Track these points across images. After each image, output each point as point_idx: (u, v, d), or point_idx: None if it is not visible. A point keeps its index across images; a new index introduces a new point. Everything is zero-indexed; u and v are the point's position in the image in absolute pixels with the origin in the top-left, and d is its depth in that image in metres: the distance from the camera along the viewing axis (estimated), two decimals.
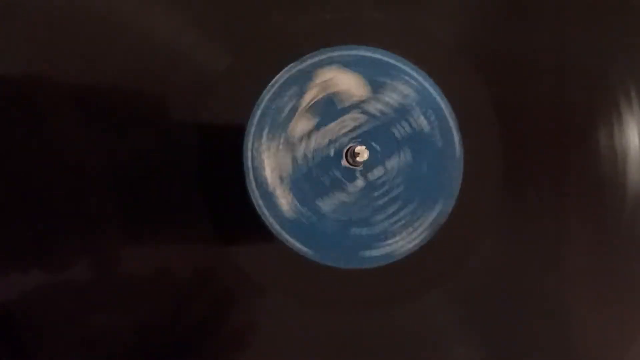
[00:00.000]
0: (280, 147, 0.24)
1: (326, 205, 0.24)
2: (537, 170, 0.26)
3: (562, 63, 0.27)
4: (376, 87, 0.25)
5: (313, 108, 0.25)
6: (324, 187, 0.24)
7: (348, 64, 0.25)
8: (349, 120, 0.25)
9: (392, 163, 0.25)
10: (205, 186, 0.25)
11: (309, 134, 0.24)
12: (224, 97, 0.25)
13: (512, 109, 0.26)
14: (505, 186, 0.26)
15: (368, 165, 0.25)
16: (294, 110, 0.25)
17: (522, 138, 0.26)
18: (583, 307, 0.27)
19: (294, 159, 0.24)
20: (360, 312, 0.26)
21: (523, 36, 0.27)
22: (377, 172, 0.25)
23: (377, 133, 0.25)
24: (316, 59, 0.25)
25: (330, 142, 0.24)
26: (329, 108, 0.25)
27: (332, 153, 0.24)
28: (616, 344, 0.27)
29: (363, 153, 0.24)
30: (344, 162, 0.25)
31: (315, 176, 0.24)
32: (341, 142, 0.25)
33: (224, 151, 0.25)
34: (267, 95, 0.25)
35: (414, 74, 0.25)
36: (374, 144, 0.25)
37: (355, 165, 0.24)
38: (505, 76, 0.27)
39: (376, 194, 0.25)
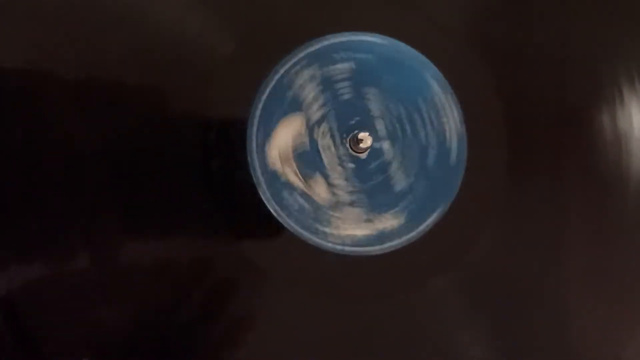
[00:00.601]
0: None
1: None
2: (541, 160, 0.26)
3: (567, 51, 0.27)
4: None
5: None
6: None
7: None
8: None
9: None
10: (210, 175, 0.25)
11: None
12: (229, 82, 0.25)
13: (516, 97, 0.26)
14: (508, 177, 0.26)
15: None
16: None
17: (526, 128, 0.26)
18: (584, 301, 0.27)
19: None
20: (363, 301, 0.26)
21: (526, 23, 0.27)
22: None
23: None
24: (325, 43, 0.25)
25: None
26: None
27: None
28: (616, 338, 0.27)
29: (366, 140, 0.24)
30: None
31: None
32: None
33: (230, 136, 0.25)
34: (272, 81, 0.25)
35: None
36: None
37: (358, 152, 0.24)
38: (510, 64, 0.27)
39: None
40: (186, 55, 0.25)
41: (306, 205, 0.25)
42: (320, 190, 0.25)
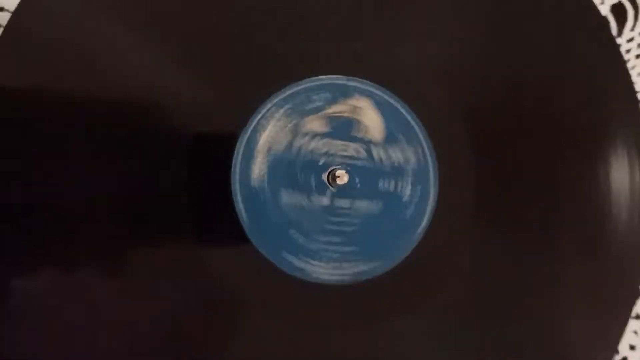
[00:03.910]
0: (289, 126, 0.25)
1: (286, 197, 0.25)
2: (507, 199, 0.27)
3: (545, 98, 0.27)
4: (390, 139, 0.26)
5: (333, 119, 0.25)
6: (295, 182, 0.25)
7: (380, 105, 0.26)
8: (352, 149, 0.25)
9: (361, 204, 0.25)
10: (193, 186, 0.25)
11: (314, 135, 0.25)
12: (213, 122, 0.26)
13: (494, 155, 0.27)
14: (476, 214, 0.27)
15: (341, 192, 0.25)
16: (318, 109, 0.25)
17: (494, 163, 0.27)
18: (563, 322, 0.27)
19: (290, 143, 0.25)
20: (329, 330, 0.26)
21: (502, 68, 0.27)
22: (344, 203, 0.25)
23: (366, 173, 0.25)
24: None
25: (326, 154, 0.25)
26: (345, 129, 0.25)
27: (320, 162, 0.25)
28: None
29: (343, 177, 0.25)
30: (324, 176, 0.25)
31: (295, 169, 0.25)
32: (333, 159, 0.25)
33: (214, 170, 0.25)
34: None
35: (425, 147, 0.26)
36: (357, 180, 0.25)
37: (331, 185, 0.25)
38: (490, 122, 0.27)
39: (332, 219, 0.25)
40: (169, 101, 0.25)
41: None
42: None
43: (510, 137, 0.27)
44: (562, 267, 0.27)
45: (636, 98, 0.27)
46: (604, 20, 0.30)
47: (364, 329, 0.26)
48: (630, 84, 0.27)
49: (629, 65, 0.30)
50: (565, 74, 0.27)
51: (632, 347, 0.30)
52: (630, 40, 0.30)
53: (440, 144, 0.26)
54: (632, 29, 0.30)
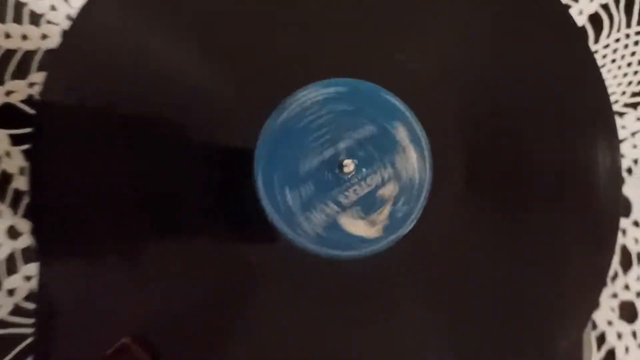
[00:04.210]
0: None
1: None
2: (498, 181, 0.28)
3: (542, 105, 0.28)
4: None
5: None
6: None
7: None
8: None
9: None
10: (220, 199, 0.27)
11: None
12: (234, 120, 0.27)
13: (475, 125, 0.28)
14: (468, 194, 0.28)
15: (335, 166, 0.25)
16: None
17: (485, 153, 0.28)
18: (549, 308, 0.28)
19: None
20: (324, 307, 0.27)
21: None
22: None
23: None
24: None
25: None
26: None
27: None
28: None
29: (349, 165, 0.25)
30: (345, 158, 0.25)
31: None
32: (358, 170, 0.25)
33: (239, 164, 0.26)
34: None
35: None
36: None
37: (337, 165, 0.25)
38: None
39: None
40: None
41: None
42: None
43: (501, 140, 0.28)
44: (561, 266, 0.28)
45: (608, 98, 0.30)
46: (582, 30, 0.33)
47: (363, 326, 0.27)
48: (604, 88, 0.30)
49: (605, 68, 0.33)
50: (548, 77, 0.29)
51: (609, 323, 0.33)
52: (606, 46, 0.33)
53: (436, 142, 0.25)
54: (608, 37, 0.33)
